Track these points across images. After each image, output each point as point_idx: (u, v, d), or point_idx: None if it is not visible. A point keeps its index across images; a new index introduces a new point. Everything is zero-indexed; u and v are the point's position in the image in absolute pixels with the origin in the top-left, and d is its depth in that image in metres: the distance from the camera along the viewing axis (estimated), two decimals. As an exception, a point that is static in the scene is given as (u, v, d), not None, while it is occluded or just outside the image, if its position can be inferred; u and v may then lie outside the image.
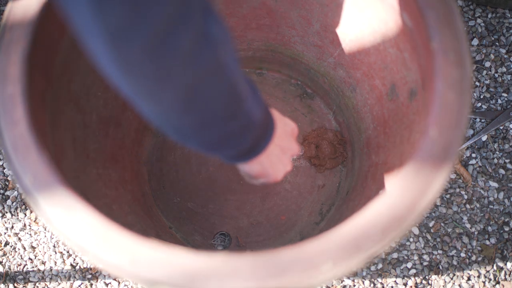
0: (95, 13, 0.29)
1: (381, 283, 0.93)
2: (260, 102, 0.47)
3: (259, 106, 0.46)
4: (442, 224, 0.95)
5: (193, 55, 0.34)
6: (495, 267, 0.93)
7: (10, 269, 0.96)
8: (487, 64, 1.02)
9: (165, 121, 0.40)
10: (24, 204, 0.99)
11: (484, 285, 0.93)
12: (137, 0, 0.29)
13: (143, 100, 0.37)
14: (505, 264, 0.93)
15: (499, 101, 1.00)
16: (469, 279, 0.93)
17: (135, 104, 0.39)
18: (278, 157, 0.55)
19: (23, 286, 0.95)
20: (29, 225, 0.98)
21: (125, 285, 0.94)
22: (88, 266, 0.95)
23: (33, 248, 0.97)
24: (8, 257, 0.97)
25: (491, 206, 0.96)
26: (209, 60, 0.36)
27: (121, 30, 0.30)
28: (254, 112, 0.45)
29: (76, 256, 0.96)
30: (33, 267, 0.96)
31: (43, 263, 0.96)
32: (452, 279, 0.93)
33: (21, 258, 0.97)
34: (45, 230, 0.97)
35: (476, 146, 0.99)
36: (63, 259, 0.96)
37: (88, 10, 0.29)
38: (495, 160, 0.98)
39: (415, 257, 0.94)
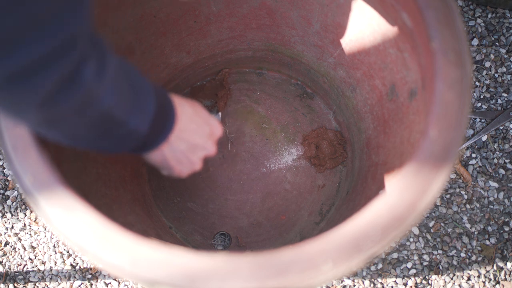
0: None
1: (381, 283, 0.93)
2: (148, 113, 0.47)
3: (146, 117, 0.47)
4: (442, 224, 0.95)
5: (55, 96, 0.37)
6: (495, 267, 0.93)
7: (10, 269, 0.96)
8: (487, 64, 1.02)
9: (35, 131, 0.44)
10: (24, 204, 0.99)
11: (484, 285, 0.93)
12: (1, 37, 0.31)
13: (10, 115, 0.40)
14: (505, 264, 0.93)
15: (499, 101, 1.00)
16: (469, 279, 0.93)
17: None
18: (183, 153, 0.55)
19: (23, 286, 0.95)
20: (29, 225, 0.98)
21: (125, 285, 0.94)
22: (88, 266, 0.95)
23: (33, 248, 0.97)
24: (8, 257, 0.97)
25: (491, 206, 0.96)
26: (74, 100, 0.39)
27: None
28: (137, 126, 0.47)
29: (76, 256, 0.96)
30: (33, 267, 0.96)
31: (43, 263, 0.96)
32: (452, 279, 0.93)
33: (21, 258, 0.97)
34: (45, 230, 0.97)
35: (476, 146, 0.99)
36: (63, 259, 0.96)
37: None
38: (495, 160, 0.98)
39: (415, 257, 0.94)
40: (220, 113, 0.90)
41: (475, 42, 1.03)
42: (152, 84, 0.50)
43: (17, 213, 0.98)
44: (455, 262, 0.94)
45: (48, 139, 0.45)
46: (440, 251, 0.94)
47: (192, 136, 0.55)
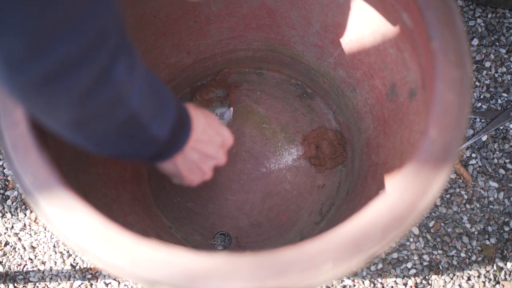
0: None
1: (381, 283, 0.93)
2: (169, 120, 0.48)
3: (167, 124, 0.48)
4: (442, 224, 0.95)
5: (88, 94, 0.37)
6: (495, 267, 0.93)
7: (10, 269, 0.96)
8: (487, 64, 1.02)
9: (61, 133, 0.43)
10: (24, 204, 0.99)
11: (484, 285, 0.93)
12: (36, 37, 0.31)
13: (39, 116, 0.40)
14: (505, 264, 0.93)
15: (499, 101, 1.00)
16: (469, 279, 0.93)
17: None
18: (195, 163, 0.56)
19: (23, 286, 0.95)
20: (29, 225, 0.98)
21: (125, 285, 0.94)
22: (88, 266, 0.95)
23: (33, 248, 0.97)
24: (8, 257, 0.97)
25: (491, 206, 0.96)
26: (105, 98, 0.38)
27: (15, 61, 0.32)
28: (158, 132, 0.47)
29: (76, 256, 0.96)
30: (33, 267, 0.96)
31: (43, 263, 0.96)
32: (452, 279, 0.93)
33: (21, 258, 0.97)
34: (45, 230, 0.97)
35: (476, 146, 0.99)
36: (63, 259, 0.96)
37: None
38: (495, 160, 0.98)
39: (415, 257, 0.94)
40: (231, 108, 0.88)
41: (475, 42, 1.03)
42: (171, 92, 0.50)
43: (17, 213, 0.98)
44: (455, 262, 0.94)
45: (70, 142, 0.45)
46: (440, 251, 0.94)
47: (205, 147, 0.56)
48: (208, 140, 0.56)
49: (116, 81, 0.38)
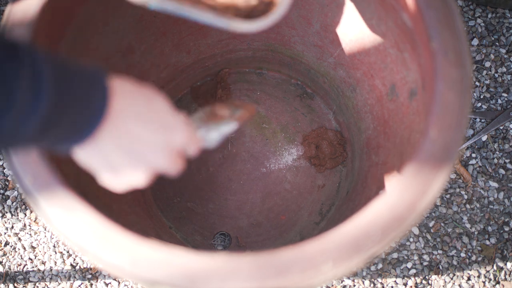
0: None
1: (381, 283, 0.93)
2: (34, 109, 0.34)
3: (35, 116, 0.34)
4: (442, 224, 0.95)
5: None
6: (495, 267, 0.93)
7: (10, 269, 0.96)
8: (487, 64, 1.02)
9: None
10: (24, 204, 0.99)
11: (484, 285, 0.93)
12: None
13: None
14: (505, 264, 0.93)
15: (499, 101, 1.00)
16: (469, 279, 0.93)
17: None
18: (120, 163, 0.41)
19: (23, 286, 0.95)
20: (29, 225, 0.98)
21: (125, 285, 0.94)
22: (88, 266, 0.95)
23: (33, 248, 0.97)
24: (8, 257, 0.97)
25: (491, 206, 0.96)
26: None
27: None
28: (24, 125, 0.35)
29: (76, 256, 0.96)
30: (33, 267, 0.96)
31: (43, 263, 0.96)
32: (452, 279, 0.93)
33: (21, 258, 0.97)
34: (45, 230, 0.97)
35: (476, 146, 0.99)
36: (63, 259, 0.96)
37: None
38: (495, 160, 0.98)
39: (415, 257, 0.94)
40: (233, 124, 0.55)
41: (475, 42, 1.03)
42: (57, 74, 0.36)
43: (17, 213, 0.98)
44: (455, 262, 0.94)
45: None
46: (440, 251, 0.94)
47: (132, 145, 0.41)
48: (138, 136, 0.41)
49: None
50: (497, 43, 1.03)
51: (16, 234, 0.98)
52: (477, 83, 1.01)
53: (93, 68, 0.39)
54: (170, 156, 0.44)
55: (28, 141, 0.37)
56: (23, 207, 0.99)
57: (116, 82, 0.40)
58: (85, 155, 0.41)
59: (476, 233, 0.95)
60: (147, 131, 0.42)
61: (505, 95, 1.00)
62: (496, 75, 1.02)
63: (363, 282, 0.93)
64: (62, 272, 0.95)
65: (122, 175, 0.43)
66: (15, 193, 0.99)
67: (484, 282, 0.93)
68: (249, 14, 0.50)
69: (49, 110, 0.35)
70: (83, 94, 0.38)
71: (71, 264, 0.96)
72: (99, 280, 0.95)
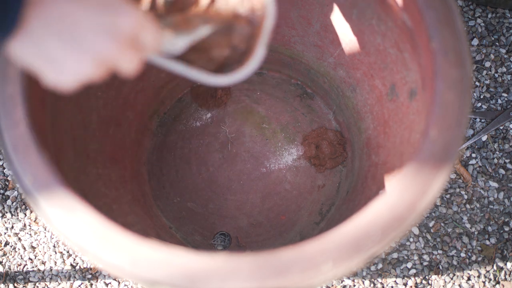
0: None
1: (381, 283, 0.93)
2: None
3: None
4: (442, 224, 0.95)
5: None
6: (495, 267, 0.93)
7: (10, 269, 0.96)
8: (487, 64, 1.02)
9: None
10: (24, 204, 0.99)
11: (484, 285, 0.93)
12: None
13: None
14: (505, 264, 0.93)
15: (499, 101, 1.00)
16: (469, 279, 0.93)
17: None
18: (57, 50, 0.36)
19: (23, 286, 0.95)
20: (29, 225, 0.98)
21: (125, 285, 0.94)
22: (88, 266, 0.95)
23: (33, 248, 0.97)
24: (8, 257, 0.97)
25: (491, 206, 0.96)
26: None
27: None
28: None
29: (76, 256, 0.96)
30: (33, 267, 0.96)
31: (43, 263, 0.96)
32: (452, 279, 0.93)
33: (21, 258, 0.97)
34: (45, 230, 0.97)
35: (476, 146, 0.99)
36: (63, 259, 0.96)
37: None
38: (495, 160, 0.98)
39: (415, 257, 0.94)
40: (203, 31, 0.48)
41: (475, 42, 1.03)
42: None
43: (17, 213, 0.98)
44: (455, 262, 0.94)
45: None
46: (440, 251, 0.94)
47: (71, 27, 0.35)
48: (75, 18, 0.35)
49: None
50: (497, 43, 1.03)
51: (16, 234, 0.98)
52: (477, 83, 1.01)
53: None
54: (117, 42, 0.37)
55: None
56: (23, 207, 0.99)
57: None
58: (20, 49, 0.36)
59: (476, 233, 0.95)
60: (85, 10, 0.36)
61: (505, 95, 1.00)
62: (496, 75, 1.02)
63: (363, 282, 0.93)
64: (62, 272, 0.95)
65: (67, 68, 0.37)
66: (15, 193, 0.99)
67: (484, 282, 0.93)
68: (223, 63, 0.48)
69: None
70: None
71: (71, 264, 0.96)
72: (99, 280, 0.95)
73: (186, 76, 0.47)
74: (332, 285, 0.93)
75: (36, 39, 0.35)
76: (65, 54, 0.36)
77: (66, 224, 0.43)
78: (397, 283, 0.93)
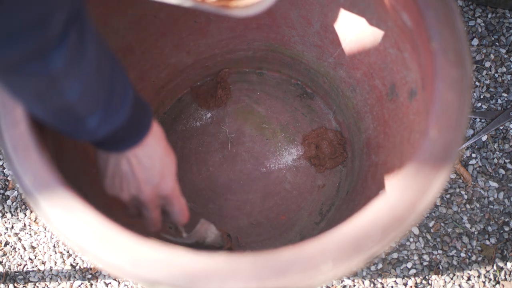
0: None
1: (381, 283, 0.93)
2: (114, 123, 0.46)
3: (108, 125, 0.46)
4: (442, 224, 0.95)
5: (18, 66, 0.37)
6: (495, 267, 0.93)
7: (10, 269, 0.96)
8: (487, 64, 1.02)
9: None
10: (24, 204, 0.99)
11: (484, 285, 0.93)
12: None
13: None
14: (505, 264, 0.93)
15: (499, 101, 1.00)
16: (469, 279, 0.93)
17: None
18: (120, 176, 0.51)
19: (23, 286, 0.95)
20: (29, 225, 0.98)
21: (125, 285, 0.94)
22: (88, 266, 0.95)
23: (33, 248, 0.97)
24: (8, 257, 0.97)
25: (491, 206, 0.96)
26: (36, 79, 0.38)
27: None
28: (95, 128, 0.45)
29: (76, 256, 0.96)
30: (33, 267, 0.96)
31: (43, 263, 0.96)
32: (452, 279, 0.93)
33: (21, 258, 0.97)
34: (45, 230, 0.97)
35: (476, 146, 0.99)
36: (63, 259, 0.96)
37: None
38: (495, 160, 0.98)
39: (415, 257, 0.94)
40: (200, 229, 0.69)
41: (475, 42, 1.03)
42: (135, 97, 0.47)
43: (17, 213, 0.98)
44: (455, 262, 0.94)
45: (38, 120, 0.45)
46: (440, 251, 0.94)
47: (139, 171, 0.51)
48: (146, 168, 0.51)
49: (50, 69, 0.37)
50: (497, 43, 1.03)
51: (16, 234, 0.98)
52: (477, 83, 1.01)
53: (146, 101, 0.50)
54: (153, 194, 0.53)
55: (96, 136, 0.46)
56: (23, 207, 0.99)
57: (156, 125, 0.51)
58: (104, 160, 0.51)
59: (476, 233, 0.95)
60: (152, 170, 0.51)
61: (505, 95, 1.01)
62: (496, 75, 1.02)
63: (363, 282, 0.93)
64: (62, 272, 0.95)
65: (117, 187, 0.52)
66: (15, 193, 0.99)
67: (484, 282, 0.93)
68: None
69: (126, 121, 0.46)
70: (141, 115, 0.48)
71: (71, 264, 0.96)
72: (99, 280, 0.95)
73: (211, 11, 0.50)
74: (332, 285, 0.93)
75: (118, 164, 0.51)
76: (122, 183, 0.53)
77: (66, 224, 0.43)
78: (397, 283, 0.93)
